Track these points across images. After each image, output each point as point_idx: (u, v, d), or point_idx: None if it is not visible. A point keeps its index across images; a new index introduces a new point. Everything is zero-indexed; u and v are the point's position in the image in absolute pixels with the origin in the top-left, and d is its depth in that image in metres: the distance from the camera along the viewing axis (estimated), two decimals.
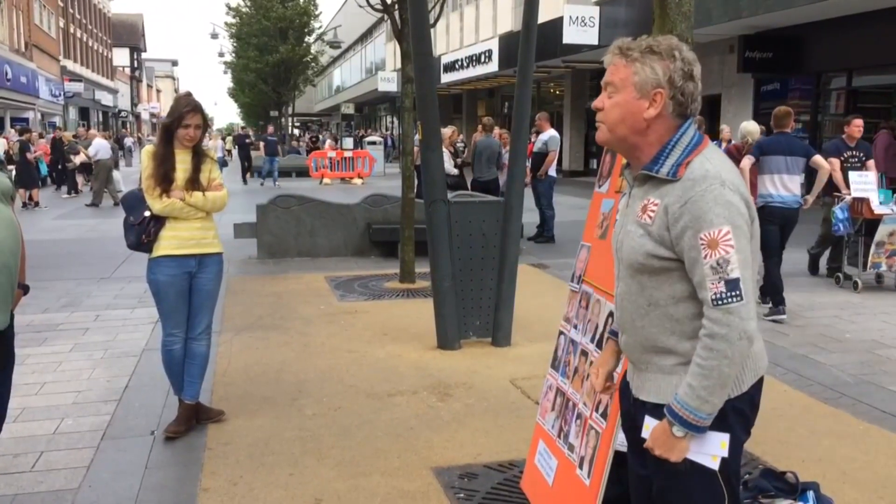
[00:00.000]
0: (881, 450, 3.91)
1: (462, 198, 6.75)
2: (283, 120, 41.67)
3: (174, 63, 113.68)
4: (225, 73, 49.23)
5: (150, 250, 4.01)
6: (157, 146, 4.06)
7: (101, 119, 54.15)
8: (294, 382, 4.90)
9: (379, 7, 8.52)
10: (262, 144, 24.95)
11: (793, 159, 6.69)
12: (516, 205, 5.71)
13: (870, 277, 7.85)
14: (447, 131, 11.81)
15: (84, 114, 49.45)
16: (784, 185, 6.66)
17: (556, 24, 17.79)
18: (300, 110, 56.94)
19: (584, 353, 2.99)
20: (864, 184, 7.57)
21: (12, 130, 25.57)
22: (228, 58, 44.51)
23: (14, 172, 16.76)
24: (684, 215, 1.79)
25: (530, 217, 9.70)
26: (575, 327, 3.14)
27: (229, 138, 40.63)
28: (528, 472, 3.35)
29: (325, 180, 23.66)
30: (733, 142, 10.09)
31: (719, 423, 1.84)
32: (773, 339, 5.87)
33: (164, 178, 3.94)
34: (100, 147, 17.69)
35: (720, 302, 1.75)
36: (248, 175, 24.15)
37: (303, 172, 24.72)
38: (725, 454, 1.87)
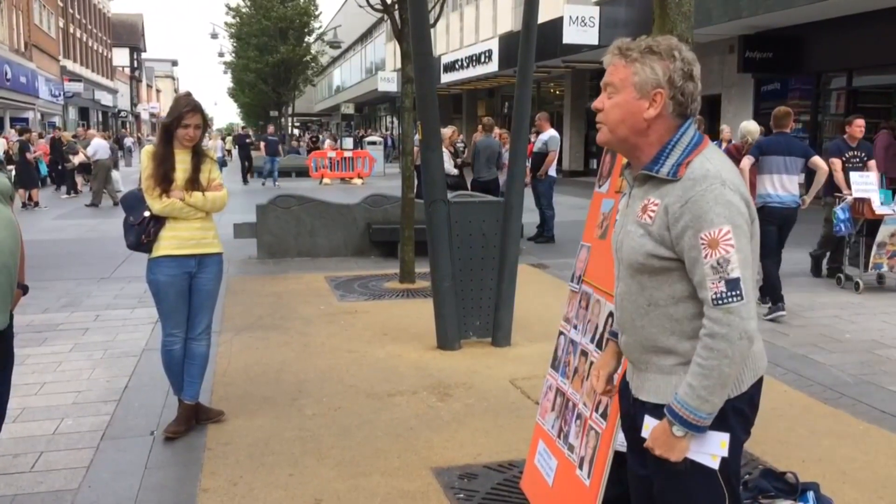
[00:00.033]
0: (881, 450, 3.90)
1: (462, 198, 6.75)
2: (282, 120, 41.69)
3: (174, 63, 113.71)
4: (225, 73, 49.30)
5: (150, 250, 4.01)
6: (157, 146, 4.06)
7: (100, 119, 54.16)
8: (294, 382, 4.90)
9: (379, 7, 8.52)
10: (262, 144, 24.94)
11: (791, 159, 6.70)
12: (516, 205, 5.71)
13: (871, 278, 7.84)
14: (447, 131, 11.82)
15: (84, 114, 49.46)
16: (782, 185, 6.67)
17: (556, 24, 17.79)
18: (300, 110, 56.96)
19: (584, 354, 2.99)
20: (866, 184, 7.57)
21: (12, 130, 25.57)
22: (228, 58, 44.58)
23: (14, 172, 16.77)
24: (685, 215, 1.79)
25: (530, 217, 9.70)
26: (575, 327, 3.14)
27: (229, 138, 40.62)
28: (527, 473, 3.35)
29: (325, 180, 23.66)
30: (733, 142, 10.09)
31: (719, 423, 1.84)
32: (773, 339, 5.87)
33: (163, 178, 3.94)
34: (98, 147, 17.68)
35: (721, 301, 1.75)
36: (249, 176, 24.14)
37: (303, 172, 24.72)
38: (725, 454, 1.87)
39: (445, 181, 5.87)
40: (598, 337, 2.90)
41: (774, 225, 6.63)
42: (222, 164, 25.66)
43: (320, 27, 40.94)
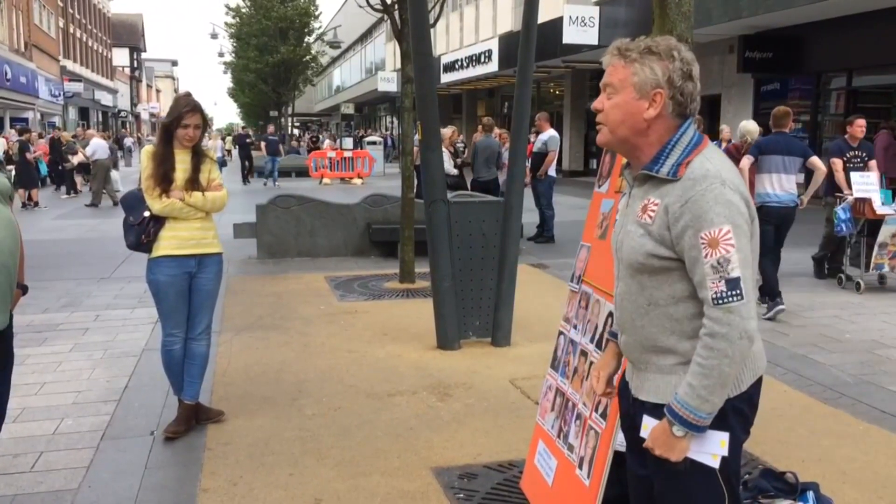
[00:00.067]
0: (881, 450, 3.90)
1: (462, 198, 6.75)
2: (282, 120, 41.69)
3: (174, 63, 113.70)
4: (225, 73, 49.31)
5: (150, 250, 4.01)
6: (157, 146, 4.06)
7: (100, 119, 54.16)
8: (294, 382, 4.90)
9: (379, 7, 8.52)
10: (263, 144, 24.94)
11: (790, 159, 6.72)
12: (516, 205, 5.71)
13: (872, 278, 7.84)
14: (447, 131, 11.82)
15: (84, 114, 49.46)
16: (781, 185, 6.68)
17: (556, 24, 17.79)
18: (300, 110, 56.97)
19: (584, 354, 2.99)
20: (866, 184, 7.57)
21: (12, 130, 25.58)
22: (228, 58, 44.58)
23: (13, 172, 16.78)
24: (685, 215, 1.79)
25: (530, 217, 9.70)
26: (574, 327, 3.14)
27: (229, 138, 40.61)
28: (527, 473, 3.35)
29: (325, 180, 23.67)
30: (733, 141, 10.09)
31: (719, 423, 1.84)
32: (773, 339, 5.87)
33: (163, 178, 3.94)
34: (97, 147, 17.68)
35: (721, 301, 1.75)
36: (249, 176, 24.12)
37: (302, 172, 24.72)
38: (725, 453, 1.87)
39: (445, 181, 5.87)
40: (597, 337, 2.90)
41: (772, 224, 6.65)
42: (222, 164, 25.63)
43: (320, 27, 40.96)
